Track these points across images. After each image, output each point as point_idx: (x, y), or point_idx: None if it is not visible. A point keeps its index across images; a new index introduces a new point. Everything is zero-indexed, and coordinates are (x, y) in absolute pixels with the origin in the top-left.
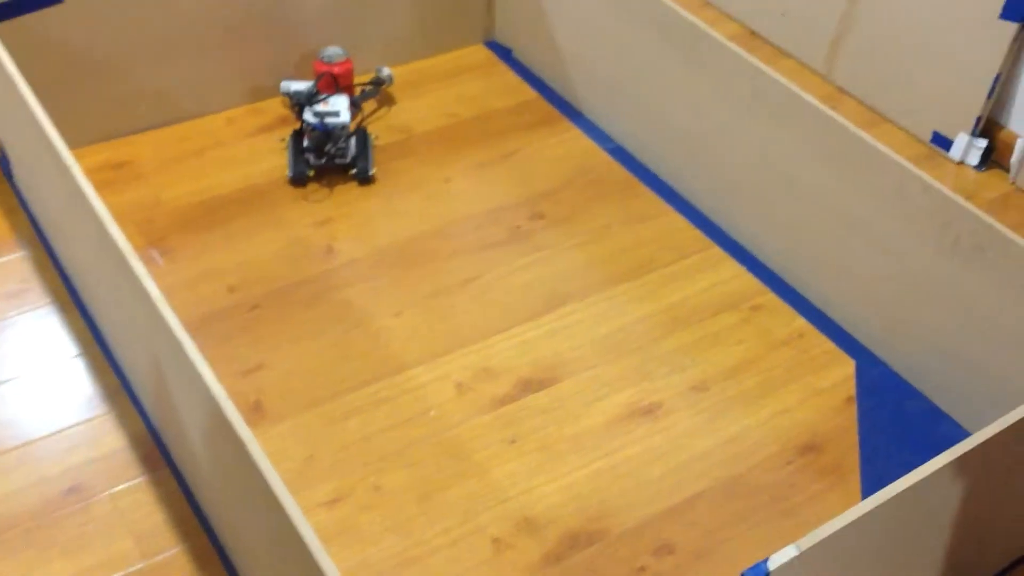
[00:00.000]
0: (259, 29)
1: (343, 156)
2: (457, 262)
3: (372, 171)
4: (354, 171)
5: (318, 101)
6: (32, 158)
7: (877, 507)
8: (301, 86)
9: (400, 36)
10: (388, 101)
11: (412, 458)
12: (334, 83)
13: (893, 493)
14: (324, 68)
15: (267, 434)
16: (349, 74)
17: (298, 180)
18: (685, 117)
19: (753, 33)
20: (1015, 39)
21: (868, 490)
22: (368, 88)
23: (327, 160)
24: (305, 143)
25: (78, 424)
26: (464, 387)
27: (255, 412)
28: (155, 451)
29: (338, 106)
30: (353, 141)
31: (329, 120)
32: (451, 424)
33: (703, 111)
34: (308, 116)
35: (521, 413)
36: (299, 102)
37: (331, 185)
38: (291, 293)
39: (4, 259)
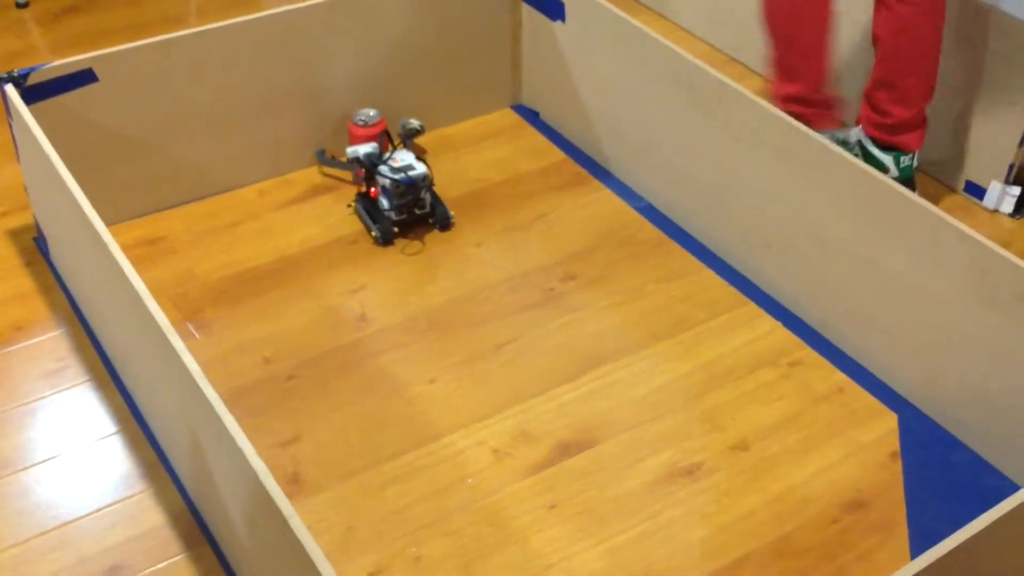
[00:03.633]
0: (289, 103)
1: (423, 207)
2: (491, 326)
3: (452, 215)
4: (432, 219)
5: (388, 159)
6: (69, 236)
7: (929, 565)
8: (368, 148)
9: (428, 103)
10: None
11: (452, 527)
12: (390, 140)
13: (945, 551)
14: (363, 130)
15: (305, 506)
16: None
17: (387, 238)
18: (714, 173)
19: None
20: None
21: (917, 546)
22: (407, 141)
23: (408, 214)
24: (385, 202)
25: (117, 502)
26: (501, 453)
27: (293, 484)
28: (195, 527)
29: (408, 159)
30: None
31: (411, 173)
32: (490, 491)
33: (732, 167)
34: (388, 173)
35: (560, 477)
36: (373, 163)
37: (363, 253)
38: (326, 362)
39: (42, 338)
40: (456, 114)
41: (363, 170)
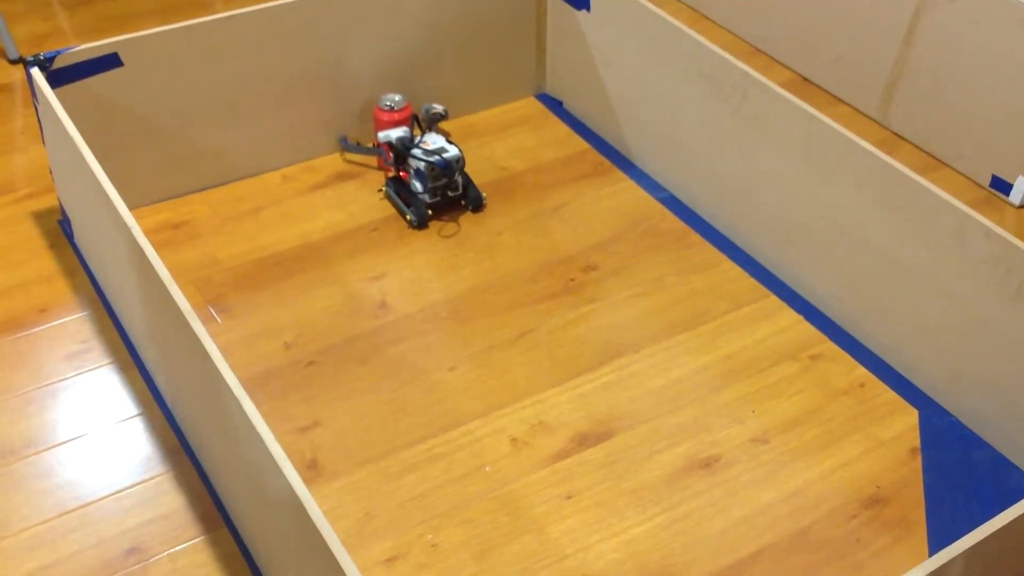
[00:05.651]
0: (313, 88)
1: (456, 189)
2: (511, 315)
3: (484, 196)
4: (464, 201)
5: (420, 143)
6: (93, 219)
7: (947, 563)
8: (400, 132)
9: (452, 90)
10: None
11: (468, 515)
12: (419, 124)
13: (963, 548)
14: (390, 115)
15: (323, 491)
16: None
17: (422, 221)
18: (738, 165)
19: (805, 79)
20: None
21: (935, 544)
22: (432, 126)
23: (441, 197)
24: (418, 185)
25: (137, 484)
26: (519, 442)
27: (311, 469)
28: (213, 510)
29: (440, 142)
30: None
31: (446, 155)
32: (507, 480)
33: (756, 159)
34: (422, 156)
35: (578, 468)
36: (406, 146)
37: (384, 240)
38: (346, 349)
39: (65, 320)
40: (480, 102)
41: (393, 154)
